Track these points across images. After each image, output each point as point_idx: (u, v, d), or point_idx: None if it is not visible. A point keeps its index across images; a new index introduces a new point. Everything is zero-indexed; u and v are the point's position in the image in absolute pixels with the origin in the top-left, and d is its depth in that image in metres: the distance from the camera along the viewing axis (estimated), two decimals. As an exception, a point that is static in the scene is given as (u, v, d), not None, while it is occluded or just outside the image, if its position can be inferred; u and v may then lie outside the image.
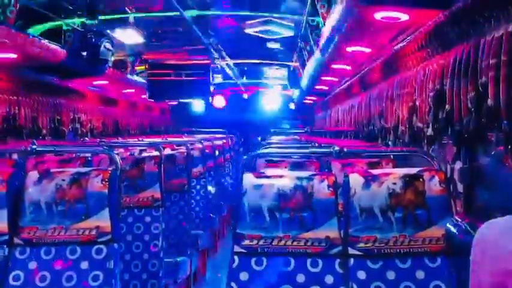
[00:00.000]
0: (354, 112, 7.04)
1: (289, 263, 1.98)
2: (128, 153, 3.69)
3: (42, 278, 2.08)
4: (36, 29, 6.05)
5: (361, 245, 1.97)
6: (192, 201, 4.65)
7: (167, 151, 3.94)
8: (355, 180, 2.01)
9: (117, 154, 2.46)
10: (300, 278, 1.95)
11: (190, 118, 14.91)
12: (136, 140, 5.56)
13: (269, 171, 2.14)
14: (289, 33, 7.73)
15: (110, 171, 2.21)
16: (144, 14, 6.85)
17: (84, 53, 6.08)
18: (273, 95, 15.42)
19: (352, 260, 1.96)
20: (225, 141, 7.51)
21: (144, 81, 9.89)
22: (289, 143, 5.13)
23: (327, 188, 2.02)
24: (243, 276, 1.96)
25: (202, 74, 9.72)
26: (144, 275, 2.94)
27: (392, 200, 1.99)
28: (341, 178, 2.05)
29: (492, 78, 2.44)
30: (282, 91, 15.04)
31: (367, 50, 4.39)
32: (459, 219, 2.28)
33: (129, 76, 9.50)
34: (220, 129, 10.44)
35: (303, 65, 8.89)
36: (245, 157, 2.30)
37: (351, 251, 1.97)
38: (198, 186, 4.75)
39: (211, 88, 10.06)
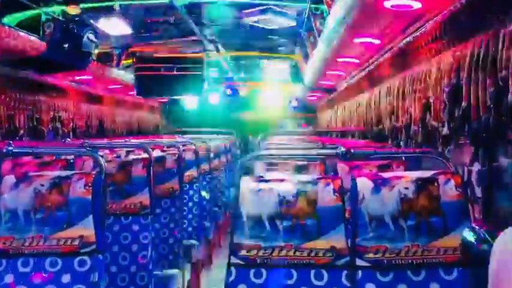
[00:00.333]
0: (361, 110, 7.05)
1: (291, 275, 1.98)
2: (114, 155, 3.69)
3: (19, 292, 2.07)
4: (12, 19, 6.05)
5: (370, 255, 1.97)
6: (185, 208, 4.65)
7: (157, 153, 3.94)
8: (364, 184, 2.01)
9: (102, 156, 2.45)
10: (303, 291, 1.95)
11: (183, 117, 14.92)
12: (123, 140, 5.56)
13: (269, 175, 2.14)
14: (290, 23, 7.73)
15: (93, 175, 2.21)
16: (131, 2, 6.84)
17: (66, 45, 6.08)
18: (273, 92, 15.43)
19: (360, 272, 1.96)
20: (221, 142, 7.51)
21: (131, 76, 9.89)
22: (292, 143, 5.13)
23: (333, 193, 2.02)
24: (241, 290, 1.96)
25: (196, 68, 9.73)
26: (131, 289, 2.94)
27: (404, 206, 1.99)
28: (348, 182, 2.05)
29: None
30: (284, 87, 15.06)
31: (377, 42, 4.40)
32: (477, 227, 2.28)
33: (115, 70, 9.49)
34: (216, 129, 10.45)
35: (306, 58, 8.90)
36: (243, 159, 2.30)
37: (358, 262, 1.97)
38: (191, 192, 4.75)
39: (206, 84, 10.07)
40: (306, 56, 8.89)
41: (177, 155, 3.95)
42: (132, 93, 10.12)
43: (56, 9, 6.42)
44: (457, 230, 1.96)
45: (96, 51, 6.90)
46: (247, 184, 2.06)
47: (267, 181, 2.07)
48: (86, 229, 2.12)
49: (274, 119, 15.31)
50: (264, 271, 1.98)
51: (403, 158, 3.06)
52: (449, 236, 1.96)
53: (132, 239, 3.00)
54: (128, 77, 9.96)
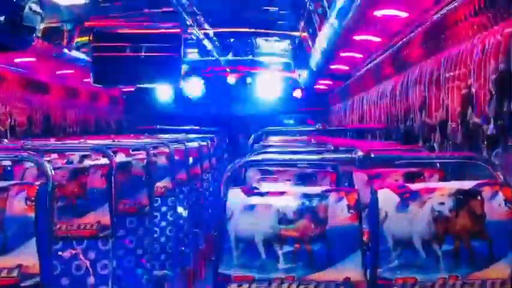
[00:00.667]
0: (384, 102, 7.07)
1: (294, 317, 1.99)
2: (64, 161, 3.68)
3: None
4: None
5: (395, 290, 1.97)
6: (156, 228, 4.64)
7: (120, 158, 3.93)
8: (387, 198, 2.01)
9: (49, 162, 2.45)
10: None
11: (154, 111, 14.90)
12: (76, 141, 5.54)
13: (265, 186, 2.14)
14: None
15: (37, 187, 2.20)
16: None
17: (1, 18, 6.05)
18: (270, 79, 15.45)
19: (382, 312, 1.97)
20: (202, 143, 7.51)
21: (87, 58, 9.87)
22: (294, 145, 5.13)
23: (347, 210, 2.02)
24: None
25: (171, 48, 9.72)
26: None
27: (438, 227, 1.99)
28: (367, 195, 2.06)
29: None
30: (284, 73, 15.09)
31: (403, 15, 4.42)
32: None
33: (66, 51, 9.47)
34: (196, 127, 10.43)
35: (313, 36, 8.93)
36: (231, 166, 2.30)
37: (380, 298, 1.98)
38: (163, 208, 4.74)
39: (183, 68, 10.07)
40: (313, 33, 8.92)
41: (146, 161, 3.95)
42: (88, 80, 10.09)
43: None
44: (506, 257, 1.96)
45: (42, 26, 6.86)
46: (236, 198, 2.05)
47: (262, 194, 2.07)
48: (27, 256, 2.11)
49: (271, 114, 15.31)
50: (258, 311, 1.98)
51: (438, 164, 3.07)
52: (496, 264, 1.96)
53: (87, 269, 2.99)
54: (83, 59, 9.94)
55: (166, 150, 4.92)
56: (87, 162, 3.47)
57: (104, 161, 3.22)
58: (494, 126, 3.46)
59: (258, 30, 11.47)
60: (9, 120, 8.76)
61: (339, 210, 2.03)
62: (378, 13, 4.40)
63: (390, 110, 6.76)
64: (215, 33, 11.52)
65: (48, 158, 3.00)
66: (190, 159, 6.09)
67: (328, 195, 2.05)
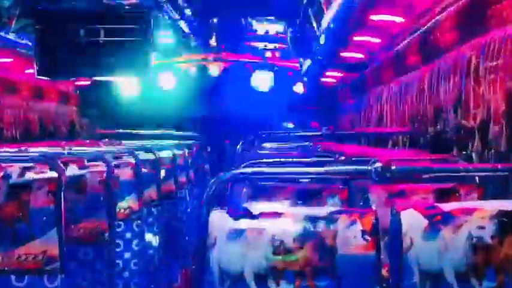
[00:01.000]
0: (409, 99, 7.09)
1: None
2: (0, 174, 3.66)
3: None
4: None
5: (423, 337, 1.98)
6: (118, 261, 4.63)
7: (72, 171, 3.93)
8: (412, 221, 2.02)
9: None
10: None
11: (116, 111, 14.90)
12: (15, 149, 5.53)
13: (257, 206, 2.14)
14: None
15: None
16: None
17: None
18: (265, 71, 15.48)
19: None
20: (178, 152, 7.51)
21: (29, 44, 9.84)
22: (294, 154, 5.14)
23: (361, 236, 2.03)
24: None
25: (137, 30, 9.71)
26: None
27: (478, 257, 2.00)
28: (387, 218, 2.07)
29: None
30: (282, 62, 15.12)
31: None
32: None
33: (1, 34, 9.45)
34: (170, 131, 10.43)
35: (319, 14, 8.94)
36: (214, 180, 2.31)
37: None
38: (128, 235, 4.73)
39: (154, 56, 10.05)
40: (319, 11, 8.93)
41: (105, 174, 3.94)
42: (31, 72, 10.07)
43: None
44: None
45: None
46: (221, 221, 2.06)
47: (253, 216, 2.08)
48: None
49: (266, 114, 15.34)
50: None
51: (477, 179, 3.08)
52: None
53: (30, 313, 2.97)
54: (25, 45, 9.91)
55: (132, 160, 4.92)
56: (29, 176, 3.46)
57: (51, 174, 3.21)
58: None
59: (249, 9, 11.49)
60: None
61: (351, 236, 2.03)
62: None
63: (416, 109, 6.78)
64: (194, 12, 11.52)
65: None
66: (163, 172, 6.08)
67: (338, 218, 2.06)
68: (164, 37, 13.17)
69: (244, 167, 2.90)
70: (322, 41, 8.73)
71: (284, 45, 13.64)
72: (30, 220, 3.09)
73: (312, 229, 2.05)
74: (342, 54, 8.77)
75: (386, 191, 2.93)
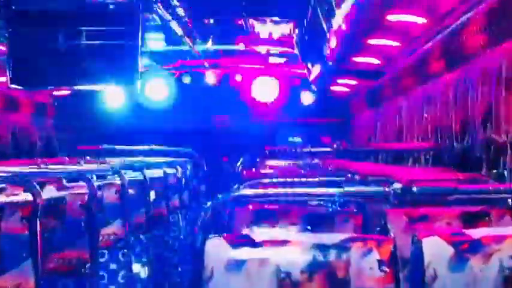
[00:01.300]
0: (432, 111, 7.09)
1: None
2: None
3: None
4: None
5: None
6: (101, 295, 4.64)
7: (50, 192, 3.93)
8: (436, 250, 2.02)
9: None
10: None
11: (98, 124, 14.91)
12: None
13: (260, 233, 2.15)
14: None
15: None
16: None
17: None
18: (268, 78, 15.52)
19: None
20: (170, 170, 7.52)
21: (2, 48, 9.86)
22: (302, 174, 5.16)
23: (378, 267, 2.04)
24: None
25: (123, 33, 9.73)
26: None
27: (510, 291, 2.01)
28: (407, 246, 2.08)
29: None
30: (287, 68, 15.15)
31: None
32: None
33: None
34: (161, 147, 10.45)
35: (329, 15, 8.97)
36: (211, 204, 2.32)
37: None
38: (113, 265, 4.74)
39: (142, 62, 10.08)
40: (329, 11, 8.96)
41: (87, 197, 3.93)
42: (2, 80, 10.09)
43: None
44: None
45: None
46: (218, 250, 2.06)
47: (255, 244, 2.08)
48: None
49: (269, 127, 15.37)
50: None
51: (510, 201, 3.08)
52: None
53: None
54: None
55: (117, 180, 4.92)
56: (0, 199, 3.46)
57: (25, 196, 3.22)
58: None
59: (250, 8, 11.52)
60: None
61: (366, 267, 2.04)
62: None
63: (440, 121, 6.79)
64: (188, 12, 11.56)
65: None
66: (152, 194, 6.09)
67: (351, 246, 2.06)
68: (154, 40, 13.21)
69: (244, 187, 2.91)
70: (333, 44, 8.75)
71: (290, 50, 13.66)
72: (1, 250, 3.09)
73: (322, 259, 2.05)
74: (355, 59, 8.80)
75: (406, 216, 2.93)
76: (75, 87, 11.15)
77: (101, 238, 4.43)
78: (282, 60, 14.72)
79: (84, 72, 9.79)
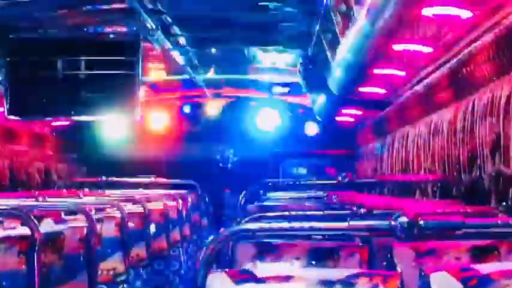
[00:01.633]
0: (439, 142, 7.09)
1: None
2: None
3: None
4: None
5: None
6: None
7: (48, 226, 3.93)
8: (444, 285, 2.01)
9: None
10: None
11: (98, 156, 14.93)
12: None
13: (263, 268, 2.14)
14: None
15: None
16: None
17: None
18: (271, 107, 15.55)
19: None
20: (170, 203, 7.52)
21: (-1, 77, 9.90)
22: (306, 206, 5.16)
23: (385, 304, 2.03)
24: None
25: (124, 63, 9.77)
26: None
27: (522, 329, 1.99)
28: (414, 281, 2.07)
29: None
30: (291, 98, 15.18)
31: (466, 15, 4.46)
32: None
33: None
34: (162, 180, 10.45)
35: (334, 44, 8.99)
36: (213, 238, 2.31)
37: None
38: (112, 302, 4.73)
39: (141, 92, 10.10)
40: (334, 40, 8.99)
41: (86, 230, 3.92)
42: (0, 110, 10.12)
43: None
44: None
45: None
46: (221, 286, 2.05)
47: (258, 280, 2.09)
48: None
49: (273, 159, 15.39)
50: None
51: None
52: None
53: None
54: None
55: (117, 214, 4.92)
56: (-3, 233, 3.46)
57: (23, 230, 3.21)
58: None
59: (253, 37, 11.57)
60: None
61: (373, 304, 2.03)
62: (429, 11, 4.45)
63: (448, 152, 6.78)
64: (189, 41, 11.60)
65: None
66: (152, 228, 6.08)
67: (357, 282, 2.05)
68: (155, 70, 13.26)
69: (247, 221, 2.90)
70: (337, 73, 8.77)
71: (294, 79, 13.68)
72: (-2, 285, 3.08)
73: (327, 295, 2.05)
74: (360, 89, 8.80)
75: (413, 250, 2.92)
76: (74, 118, 11.15)
77: (100, 273, 4.41)
78: (286, 89, 14.73)
79: (83, 102, 9.80)
